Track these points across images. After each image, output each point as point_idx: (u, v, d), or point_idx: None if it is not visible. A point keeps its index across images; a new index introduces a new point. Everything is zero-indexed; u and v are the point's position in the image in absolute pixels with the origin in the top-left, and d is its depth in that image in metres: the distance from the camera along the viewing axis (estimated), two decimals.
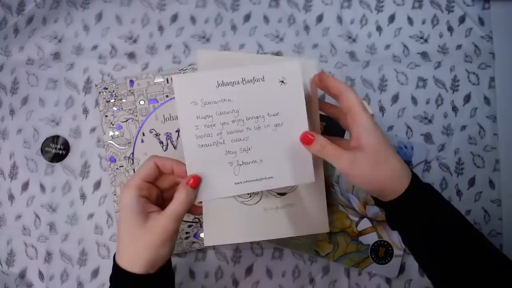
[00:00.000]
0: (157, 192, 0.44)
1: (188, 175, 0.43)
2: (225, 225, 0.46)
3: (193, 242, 0.58)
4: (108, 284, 0.59)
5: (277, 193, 0.48)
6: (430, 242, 0.42)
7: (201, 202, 0.45)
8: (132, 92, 0.61)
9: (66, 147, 0.61)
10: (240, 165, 0.45)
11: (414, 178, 0.43)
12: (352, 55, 0.63)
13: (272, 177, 0.45)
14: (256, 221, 0.47)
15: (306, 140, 0.44)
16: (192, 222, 0.59)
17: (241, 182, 0.45)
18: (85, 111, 0.62)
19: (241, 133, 0.44)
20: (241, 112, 0.44)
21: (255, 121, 0.44)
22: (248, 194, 0.47)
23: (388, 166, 0.42)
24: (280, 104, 0.44)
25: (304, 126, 0.44)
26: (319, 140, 0.43)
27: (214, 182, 0.45)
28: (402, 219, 0.44)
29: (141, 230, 0.40)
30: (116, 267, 0.41)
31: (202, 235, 0.58)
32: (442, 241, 0.42)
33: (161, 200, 0.45)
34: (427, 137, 0.61)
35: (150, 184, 0.43)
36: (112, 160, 0.60)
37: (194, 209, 0.46)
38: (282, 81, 0.44)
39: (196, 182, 0.43)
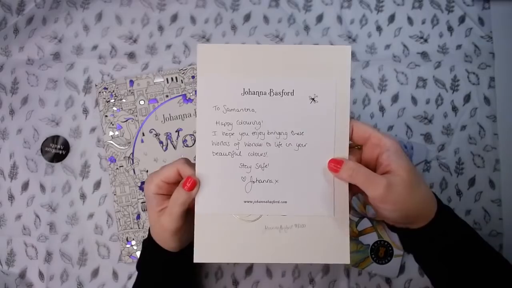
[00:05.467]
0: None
1: (187, 177, 0.41)
2: (218, 241, 0.42)
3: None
4: (108, 284, 0.60)
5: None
6: (453, 266, 0.41)
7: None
8: (132, 92, 0.61)
9: (66, 147, 0.61)
10: (253, 182, 0.42)
11: (438, 201, 0.41)
12: (352, 55, 0.63)
13: (286, 202, 0.41)
14: (254, 241, 0.41)
15: (332, 168, 0.40)
16: None
17: (251, 201, 0.42)
18: (85, 111, 0.62)
19: (260, 147, 0.41)
20: (263, 125, 0.41)
21: (277, 137, 0.41)
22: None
23: (422, 190, 0.39)
24: (306, 123, 0.41)
25: (330, 152, 0.41)
26: (348, 164, 0.39)
27: (222, 196, 0.42)
28: (428, 244, 0.41)
29: (156, 223, 0.44)
30: (150, 236, 0.46)
31: None
32: (464, 266, 0.41)
33: None
34: (427, 137, 0.61)
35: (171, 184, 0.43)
36: (112, 160, 0.60)
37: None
38: (313, 99, 0.41)
39: (192, 187, 0.41)
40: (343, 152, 0.41)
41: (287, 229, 0.41)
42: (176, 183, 0.43)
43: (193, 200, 0.42)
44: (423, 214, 0.40)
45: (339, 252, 0.41)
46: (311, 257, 0.42)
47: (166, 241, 0.45)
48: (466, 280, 0.41)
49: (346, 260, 0.41)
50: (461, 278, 0.41)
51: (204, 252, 0.41)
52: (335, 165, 0.40)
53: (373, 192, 0.38)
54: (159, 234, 0.45)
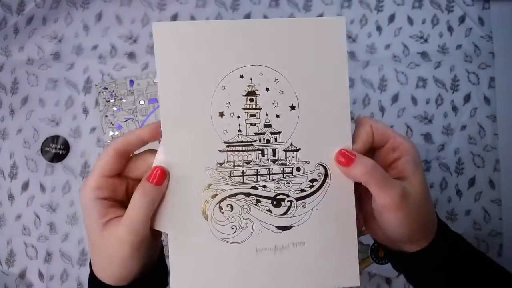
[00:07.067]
0: (127, 185, 0.34)
1: (154, 167, 0.32)
2: (201, 269, 0.33)
3: None
4: None
5: (276, 226, 0.33)
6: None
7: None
8: (132, 92, 0.61)
9: (66, 147, 0.61)
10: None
11: (440, 222, 0.36)
12: (352, 55, 0.63)
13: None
14: (245, 266, 0.33)
15: (344, 160, 0.32)
16: None
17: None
18: (85, 111, 0.62)
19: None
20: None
21: None
22: (232, 228, 0.33)
23: (429, 206, 0.34)
24: None
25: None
26: (363, 159, 0.31)
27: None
28: (429, 269, 0.35)
29: (100, 241, 0.32)
30: (91, 271, 0.35)
31: None
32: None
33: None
34: (427, 137, 0.61)
35: (115, 178, 0.33)
36: None
37: None
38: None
39: (162, 177, 0.31)
40: (346, 142, 0.33)
41: (284, 249, 0.33)
42: (121, 172, 0.33)
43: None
44: (426, 233, 0.34)
45: (346, 273, 0.33)
46: (313, 283, 0.34)
47: (119, 266, 0.32)
48: None
49: (356, 282, 0.34)
50: None
51: (182, 284, 0.33)
52: (346, 158, 0.32)
53: (387, 198, 0.31)
54: (106, 259, 0.32)
